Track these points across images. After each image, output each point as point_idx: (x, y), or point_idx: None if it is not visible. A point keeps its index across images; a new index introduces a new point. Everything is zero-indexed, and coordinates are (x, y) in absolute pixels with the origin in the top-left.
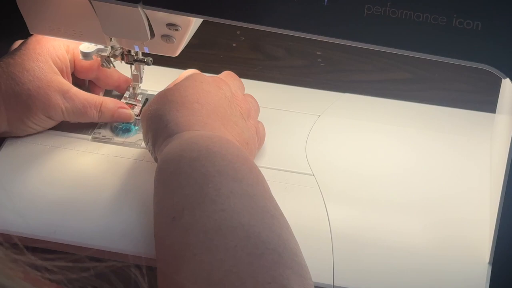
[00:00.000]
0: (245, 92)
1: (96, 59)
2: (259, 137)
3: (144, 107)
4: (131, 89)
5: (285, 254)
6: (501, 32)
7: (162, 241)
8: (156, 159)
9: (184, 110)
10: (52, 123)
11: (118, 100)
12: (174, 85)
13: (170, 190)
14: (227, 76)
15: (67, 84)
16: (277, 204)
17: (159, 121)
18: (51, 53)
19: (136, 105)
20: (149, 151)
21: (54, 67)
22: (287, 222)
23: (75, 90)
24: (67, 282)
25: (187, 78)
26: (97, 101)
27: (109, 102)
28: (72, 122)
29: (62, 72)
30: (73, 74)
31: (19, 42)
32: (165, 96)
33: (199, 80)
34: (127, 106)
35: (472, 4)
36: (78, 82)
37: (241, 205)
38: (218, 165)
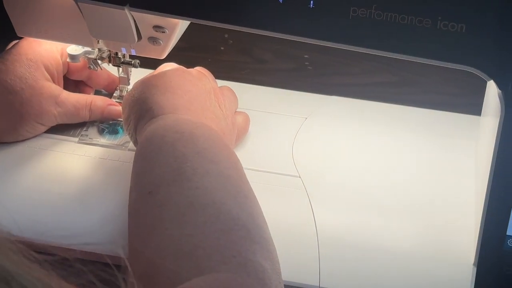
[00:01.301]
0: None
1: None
2: (238, 128)
3: (126, 94)
4: (118, 91)
5: (253, 231)
6: (485, 34)
7: (135, 214)
8: (136, 142)
9: (169, 94)
10: (44, 129)
11: (106, 98)
12: (158, 72)
13: (149, 165)
14: (203, 70)
15: (58, 89)
16: (251, 188)
17: (142, 104)
18: (43, 58)
19: None
20: (128, 135)
21: (46, 73)
22: (258, 203)
23: (66, 93)
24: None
25: (171, 67)
26: (87, 100)
27: (98, 100)
28: (64, 123)
29: (53, 77)
30: (64, 76)
31: (14, 42)
32: (149, 81)
33: (182, 70)
34: (116, 103)
35: (456, 7)
36: (69, 82)
37: (215, 184)
38: (198, 147)
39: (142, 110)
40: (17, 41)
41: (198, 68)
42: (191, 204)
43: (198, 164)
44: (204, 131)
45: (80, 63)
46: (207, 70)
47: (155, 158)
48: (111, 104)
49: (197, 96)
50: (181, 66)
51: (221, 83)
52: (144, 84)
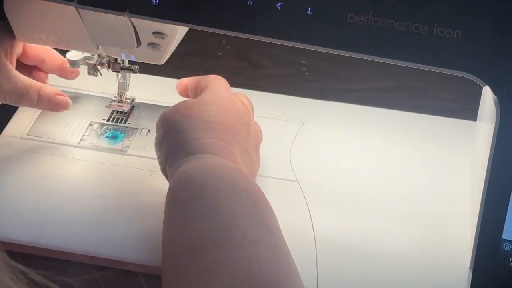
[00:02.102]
0: None
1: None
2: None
3: (166, 111)
4: (118, 96)
5: None
6: (480, 40)
7: (174, 272)
8: (164, 171)
9: (211, 131)
10: None
11: (56, 88)
12: (203, 98)
13: (188, 217)
14: (246, 101)
15: (10, 65)
16: (291, 255)
17: (180, 135)
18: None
19: (124, 111)
20: (157, 158)
21: (1, 51)
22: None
23: (17, 72)
24: None
25: (217, 92)
26: (37, 84)
27: (48, 88)
28: (11, 104)
29: (6, 54)
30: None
31: None
32: (193, 109)
33: (228, 99)
34: (65, 94)
35: (452, 13)
36: (21, 66)
37: (267, 256)
38: (243, 204)
39: (178, 143)
40: None
41: (243, 98)
42: (245, 280)
43: (246, 227)
44: (246, 182)
45: (36, 46)
46: (250, 101)
47: (195, 209)
48: (60, 94)
49: (238, 133)
50: (228, 89)
51: None
52: (187, 110)
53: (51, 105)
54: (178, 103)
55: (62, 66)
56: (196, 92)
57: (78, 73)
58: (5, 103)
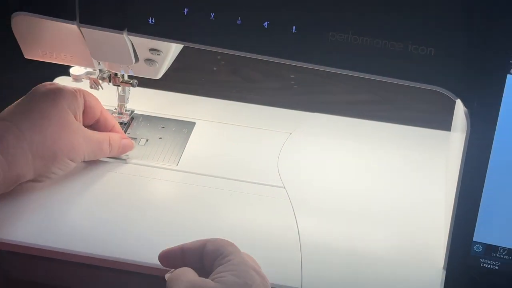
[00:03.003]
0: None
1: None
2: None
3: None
4: (118, 108)
5: None
6: (452, 57)
7: None
8: None
9: None
10: (72, 166)
11: (119, 133)
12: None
13: None
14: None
15: (83, 128)
16: None
17: None
18: (71, 103)
19: (124, 122)
20: None
21: (71, 113)
22: None
23: (88, 130)
24: None
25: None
26: (106, 136)
27: (114, 135)
28: (88, 160)
29: (76, 116)
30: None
31: (42, 85)
32: None
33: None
34: (127, 137)
35: (426, 32)
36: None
37: None
38: None
39: None
40: (44, 84)
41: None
42: None
43: None
44: None
45: (94, 103)
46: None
47: None
48: (124, 138)
49: None
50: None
51: (214, 101)
52: None
53: (120, 151)
54: (190, 285)
55: (113, 130)
56: (199, 256)
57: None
58: (84, 160)
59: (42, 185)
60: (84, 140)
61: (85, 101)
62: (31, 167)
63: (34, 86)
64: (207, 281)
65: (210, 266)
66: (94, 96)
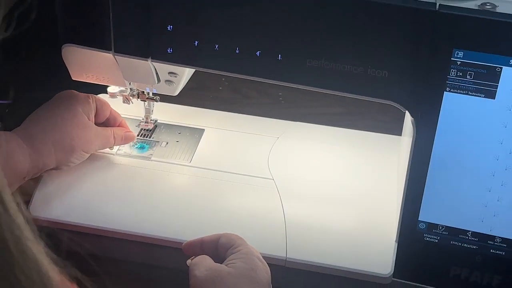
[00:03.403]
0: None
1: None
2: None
3: (198, 276)
4: (144, 118)
5: None
6: (402, 78)
7: None
8: None
9: None
10: (86, 156)
11: (121, 127)
12: (237, 267)
13: None
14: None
15: (94, 126)
16: None
17: None
18: (84, 106)
19: (149, 129)
20: None
21: (85, 115)
22: None
23: (97, 128)
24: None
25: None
26: (110, 131)
27: (118, 130)
28: (98, 151)
29: (90, 119)
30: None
31: (62, 92)
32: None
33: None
34: (130, 130)
35: (381, 59)
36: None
37: None
38: None
39: None
40: (61, 93)
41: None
42: None
43: None
44: None
45: (104, 109)
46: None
47: None
48: (127, 131)
49: None
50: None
51: (219, 113)
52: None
53: (123, 141)
54: (208, 269)
55: (120, 125)
56: (215, 247)
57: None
58: (95, 151)
59: (82, 176)
60: (95, 135)
61: (96, 104)
62: (53, 157)
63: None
64: (222, 266)
65: (224, 254)
66: (104, 100)
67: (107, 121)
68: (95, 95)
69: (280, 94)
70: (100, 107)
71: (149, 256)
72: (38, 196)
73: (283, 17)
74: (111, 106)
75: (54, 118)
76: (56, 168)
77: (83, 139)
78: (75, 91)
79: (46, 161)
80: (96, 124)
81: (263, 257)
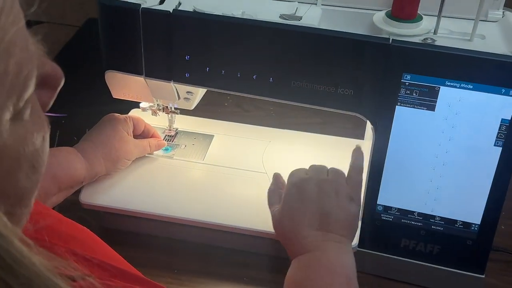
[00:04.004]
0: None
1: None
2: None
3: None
4: (168, 127)
5: None
6: (363, 96)
7: None
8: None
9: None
10: (129, 163)
11: (155, 138)
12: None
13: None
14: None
15: (132, 139)
16: None
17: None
18: (123, 125)
19: (172, 135)
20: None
21: (125, 132)
22: None
23: (136, 140)
24: None
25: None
26: (146, 142)
27: (152, 140)
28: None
29: (129, 134)
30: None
31: (107, 115)
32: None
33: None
34: (161, 140)
35: (348, 81)
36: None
37: None
38: None
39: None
40: (108, 116)
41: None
42: None
43: None
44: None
45: (140, 127)
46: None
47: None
48: (159, 141)
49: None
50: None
51: (225, 123)
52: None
53: (157, 148)
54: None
55: (153, 135)
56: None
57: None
58: (133, 159)
59: (121, 172)
60: (134, 146)
61: (133, 122)
62: (103, 167)
63: (118, 113)
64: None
65: None
66: (139, 118)
67: (143, 134)
68: (131, 115)
69: (271, 108)
70: (136, 124)
71: (172, 232)
72: (87, 187)
73: (273, 51)
74: (144, 119)
75: (101, 136)
76: (106, 175)
77: (124, 150)
78: (116, 114)
79: (98, 169)
80: (135, 137)
81: (256, 231)
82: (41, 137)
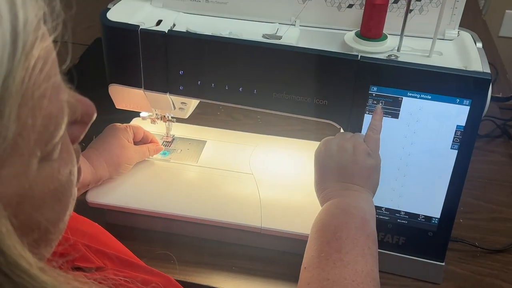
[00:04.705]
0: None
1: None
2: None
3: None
4: (166, 133)
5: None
6: (336, 106)
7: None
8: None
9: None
10: (130, 168)
11: (153, 143)
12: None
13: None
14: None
15: (133, 146)
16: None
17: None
18: (124, 134)
19: (169, 141)
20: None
21: (125, 139)
22: None
23: (136, 146)
24: None
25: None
26: (145, 147)
27: (151, 146)
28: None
29: (129, 141)
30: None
31: (110, 125)
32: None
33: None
34: (159, 144)
35: (323, 93)
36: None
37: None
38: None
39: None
40: (111, 125)
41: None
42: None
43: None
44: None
45: (139, 135)
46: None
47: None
48: (157, 146)
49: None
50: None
51: (217, 130)
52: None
53: (155, 153)
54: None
55: (152, 141)
56: None
57: (161, 149)
58: (134, 163)
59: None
60: (135, 152)
61: (133, 131)
62: (107, 171)
63: (120, 123)
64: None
65: None
66: (139, 126)
67: (143, 140)
68: (131, 124)
69: (258, 117)
70: (136, 131)
71: (169, 227)
72: (93, 188)
73: (257, 66)
74: (144, 127)
75: (105, 144)
76: (109, 179)
77: (125, 156)
78: (118, 124)
79: (102, 174)
80: (135, 143)
81: (244, 226)
82: (68, 171)
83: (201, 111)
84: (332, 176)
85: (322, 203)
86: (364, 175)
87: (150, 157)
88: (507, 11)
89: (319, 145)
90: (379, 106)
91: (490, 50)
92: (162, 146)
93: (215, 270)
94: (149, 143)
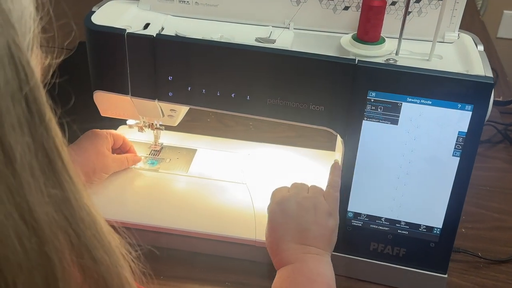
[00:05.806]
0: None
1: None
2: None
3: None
4: (154, 142)
5: None
6: (333, 112)
7: None
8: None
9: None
10: (106, 177)
11: (131, 154)
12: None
13: None
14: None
15: (111, 154)
16: None
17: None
18: (103, 141)
19: (157, 150)
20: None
21: (104, 147)
22: None
23: (114, 155)
24: None
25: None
26: (123, 157)
27: (129, 155)
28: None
29: (108, 149)
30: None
31: (89, 131)
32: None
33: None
34: (138, 156)
35: (319, 98)
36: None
37: None
38: None
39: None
40: (92, 130)
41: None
42: None
43: None
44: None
45: (118, 142)
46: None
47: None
48: (135, 156)
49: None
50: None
51: (207, 137)
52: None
53: (134, 163)
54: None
55: (129, 151)
56: None
57: (139, 159)
58: (111, 173)
59: (109, 184)
60: (112, 161)
61: (113, 138)
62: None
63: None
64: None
65: None
66: (119, 134)
67: (121, 147)
68: (111, 131)
69: (251, 123)
70: (116, 139)
71: (158, 240)
72: None
73: (249, 71)
74: (131, 135)
75: (80, 149)
76: None
77: (101, 164)
78: (97, 130)
79: None
80: (114, 151)
81: (237, 238)
82: None
83: (191, 118)
84: (291, 237)
85: (278, 266)
86: (326, 237)
87: (135, 166)
88: (505, 11)
89: (271, 203)
90: (337, 160)
91: (489, 52)
92: (140, 156)
93: (206, 285)
94: (127, 151)
